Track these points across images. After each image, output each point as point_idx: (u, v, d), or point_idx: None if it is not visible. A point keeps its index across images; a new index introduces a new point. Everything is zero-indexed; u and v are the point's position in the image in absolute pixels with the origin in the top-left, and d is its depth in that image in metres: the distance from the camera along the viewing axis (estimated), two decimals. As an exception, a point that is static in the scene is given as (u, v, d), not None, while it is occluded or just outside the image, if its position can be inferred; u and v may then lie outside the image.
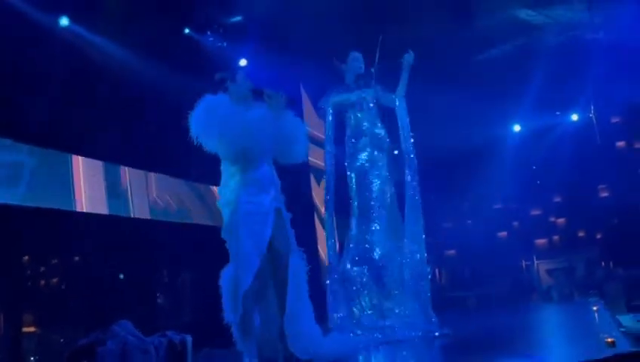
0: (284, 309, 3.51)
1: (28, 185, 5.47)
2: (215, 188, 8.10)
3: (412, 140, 5.27)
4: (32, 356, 5.82)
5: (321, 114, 5.81)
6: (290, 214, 3.69)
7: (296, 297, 3.49)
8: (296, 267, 3.58)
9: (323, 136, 5.54)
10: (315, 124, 9.79)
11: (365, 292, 4.85)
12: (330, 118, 5.36)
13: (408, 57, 5.20)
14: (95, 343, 3.42)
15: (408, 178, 5.20)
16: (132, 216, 6.76)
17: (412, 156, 5.22)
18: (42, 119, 5.59)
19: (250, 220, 3.44)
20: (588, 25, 8.93)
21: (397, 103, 5.28)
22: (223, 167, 3.63)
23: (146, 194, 7.09)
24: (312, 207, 9.36)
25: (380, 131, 5.31)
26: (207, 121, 3.49)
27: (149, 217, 7.04)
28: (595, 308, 5.24)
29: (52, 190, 5.77)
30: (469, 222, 12.33)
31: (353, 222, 5.29)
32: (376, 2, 7.57)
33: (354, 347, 4.00)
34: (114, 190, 6.52)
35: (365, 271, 4.92)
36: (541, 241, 11.81)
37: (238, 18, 8.11)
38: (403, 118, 5.29)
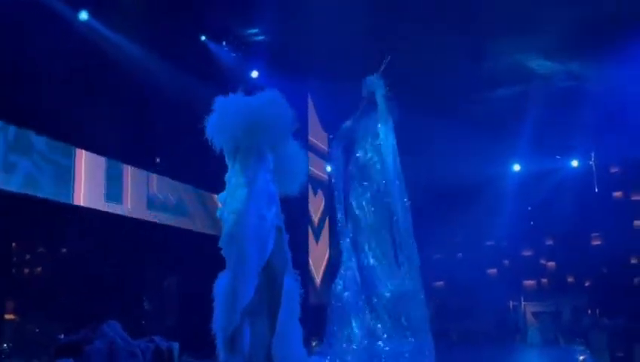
0: (274, 329, 3.46)
1: (26, 173, 5.43)
2: (215, 196, 8.13)
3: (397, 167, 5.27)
4: (6, 343, 5.74)
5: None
6: (288, 235, 3.66)
7: (287, 318, 3.47)
8: (290, 288, 3.56)
9: (325, 148, 5.53)
10: (319, 136, 9.85)
11: (358, 315, 4.83)
12: None
13: (366, 84, 5.22)
14: (83, 341, 3.37)
15: (399, 205, 5.20)
16: (128, 206, 6.71)
17: (399, 183, 5.23)
18: (51, 109, 5.59)
19: (257, 233, 3.41)
20: (591, 77, 9.05)
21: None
22: (229, 176, 3.59)
23: (146, 186, 7.08)
24: (307, 220, 9.36)
25: (377, 157, 5.34)
26: (221, 119, 3.50)
27: (145, 209, 6.99)
28: (581, 358, 5.23)
29: (51, 180, 5.73)
30: (460, 255, 12.35)
31: (344, 246, 5.28)
32: (389, 31, 7.65)
33: None
34: (113, 180, 6.50)
35: (358, 295, 4.90)
36: (530, 283, 11.83)
37: (255, 30, 8.17)
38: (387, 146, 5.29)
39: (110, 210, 6.41)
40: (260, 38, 8.23)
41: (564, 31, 7.89)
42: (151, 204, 7.10)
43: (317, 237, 9.85)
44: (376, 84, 5.23)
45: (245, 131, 3.47)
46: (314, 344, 5.71)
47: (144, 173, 7.05)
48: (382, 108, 5.17)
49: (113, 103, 6.35)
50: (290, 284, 3.57)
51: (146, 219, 6.98)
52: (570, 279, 11.55)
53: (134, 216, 6.79)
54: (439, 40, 7.91)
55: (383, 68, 5.17)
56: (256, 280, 3.35)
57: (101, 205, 6.29)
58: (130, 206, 6.72)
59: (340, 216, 5.21)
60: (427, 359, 4.70)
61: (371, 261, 5.10)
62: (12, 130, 5.30)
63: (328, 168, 9.99)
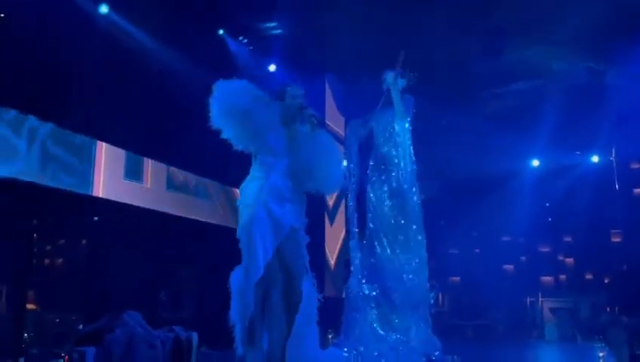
0: (289, 331, 3.43)
1: (47, 163, 5.51)
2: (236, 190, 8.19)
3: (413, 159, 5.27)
4: (27, 332, 5.84)
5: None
6: (308, 238, 3.59)
7: (304, 322, 3.42)
8: (308, 292, 3.49)
9: (342, 132, 5.53)
10: (336, 120, 9.84)
11: (374, 308, 4.86)
12: None
13: (388, 77, 5.23)
14: (104, 329, 3.41)
15: (414, 198, 5.20)
16: (148, 186, 6.79)
17: (413, 178, 5.24)
18: (71, 102, 5.65)
19: (264, 225, 3.39)
20: (611, 72, 8.91)
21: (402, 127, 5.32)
22: (252, 169, 3.59)
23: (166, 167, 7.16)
24: (322, 216, 9.37)
25: (394, 152, 5.34)
26: (229, 109, 3.39)
27: (164, 189, 7.06)
28: (601, 354, 5.18)
29: (71, 172, 5.81)
30: (477, 250, 12.28)
31: (365, 238, 5.32)
32: (407, 25, 7.60)
33: None
34: (132, 165, 6.58)
35: (374, 288, 4.93)
36: (547, 279, 11.72)
37: (273, 24, 8.17)
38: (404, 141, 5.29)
39: (130, 189, 6.48)
40: (278, 31, 8.22)
41: (584, 25, 7.78)
42: (172, 174, 7.19)
43: (332, 220, 9.88)
44: (392, 80, 5.22)
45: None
46: (330, 336, 5.73)
47: (163, 165, 7.11)
48: (397, 103, 5.17)
49: (132, 96, 6.40)
50: (308, 288, 3.51)
51: (165, 200, 7.04)
52: (588, 276, 11.41)
53: (153, 188, 6.85)
54: (458, 33, 7.85)
55: (400, 62, 5.15)
56: (261, 272, 3.34)
57: (121, 190, 6.37)
58: (150, 177, 6.80)
59: (350, 203, 5.24)
60: (438, 349, 4.73)
61: (388, 253, 5.13)
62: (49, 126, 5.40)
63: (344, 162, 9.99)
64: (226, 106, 3.38)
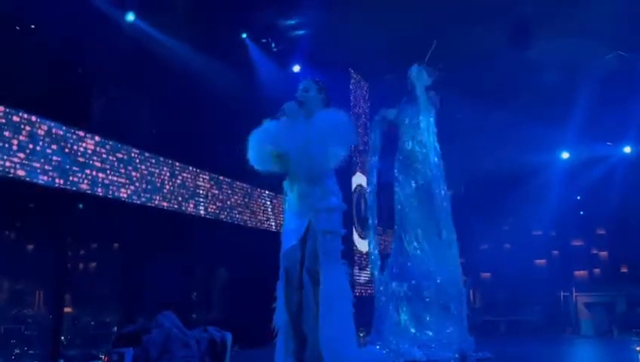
0: (316, 334, 3.46)
1: (76, 168, 5.63)
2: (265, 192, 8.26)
3: (438, 159, 5.25)
4: (64, 335, 5.98)
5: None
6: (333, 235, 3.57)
7: (341, 322, 3.42)
8: (342, 290, 3.50)
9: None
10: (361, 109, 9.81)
11: (405, 305, 4.85)
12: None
13: (412, 72, 5.22)
14: (141, 331, 3.49)
15: (442, 192, 5.18)
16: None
17: (440, 174, 5.21)
18: (102, 109, 5.78)
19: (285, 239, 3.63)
20: None
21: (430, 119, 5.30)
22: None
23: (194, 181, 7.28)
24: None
25: (419, 148, 5.32)
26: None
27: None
28: (638, 349, 5.08)
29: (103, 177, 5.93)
30: (507, 246, 12.13)
31: (394, 236, 5.32)
32: (433, 15, 7.55)
33: None
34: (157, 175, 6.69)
35: (404, 285, 4.92)
36: (581, 273, 11.52)
37: (292, 22, 8.19)
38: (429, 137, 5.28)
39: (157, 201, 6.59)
40: (301, 32, 8.25)
41: (613, 12, 7.63)
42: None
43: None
44: (417, 75, 5.21)
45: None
46: (362, 334, 5.73)
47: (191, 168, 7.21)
48: (422, 99, 5.15)
49: (158, 100, 6.50)
50: (342, 285, 3.53)
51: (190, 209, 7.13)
52: (623, 269, 11.19)
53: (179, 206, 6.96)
54: (484, 25, 7.78)
55: (428, 57, 5.14)
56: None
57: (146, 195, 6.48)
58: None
59: (370, 199, 5.24)
60: (471, 345, 4.70)
61: (417, 251, 5.12)
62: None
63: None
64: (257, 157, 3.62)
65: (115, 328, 6.10)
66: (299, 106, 3.62)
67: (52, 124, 5.35)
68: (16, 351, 5.20)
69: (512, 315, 10.59)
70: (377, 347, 4.51)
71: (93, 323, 6.47)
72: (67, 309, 6.30)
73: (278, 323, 3.55)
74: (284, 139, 3.48)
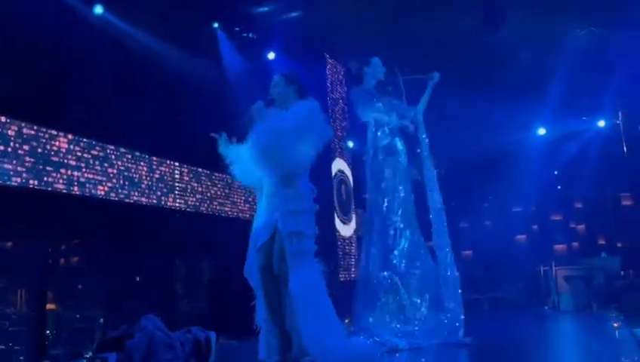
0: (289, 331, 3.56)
1: (50, 168, 5.55)
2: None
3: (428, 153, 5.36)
4: (49, 330, 5.98)
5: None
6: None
7: (317, 318, 3.42)
8: (313, 280, 3.50)
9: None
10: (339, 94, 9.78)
11: (390, 296, 4.90)
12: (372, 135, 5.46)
13: (435, 76, 5.40)
14: (124, 336, 3.48)
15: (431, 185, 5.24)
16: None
17: (432, 167, 5.31)
18: (74, 106, 5.67)
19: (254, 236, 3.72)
20: (616, 36, 8.79)
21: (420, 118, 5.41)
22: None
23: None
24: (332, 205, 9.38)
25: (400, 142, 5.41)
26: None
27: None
28: (615, 325, 5.20)
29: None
30: (488, 223, 12.28)
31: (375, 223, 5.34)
32: (401, 5, 7.52)
33: (372, 353, 3.95)
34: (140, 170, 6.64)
35: (389, 275, 4.96)
36: (560, 247, 11.73)
37: (266, 9, 8.08)
38: (422, 131, 5.38)
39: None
40: (274, 19, 8.15)
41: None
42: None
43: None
44: (377, 68, 5.31)
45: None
46: (347, 321, 5.78)
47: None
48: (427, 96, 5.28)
49: (132, 95, 6.39)
50: (313, 276, 3.52)
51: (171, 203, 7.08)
52: (601, 241, 11.42)
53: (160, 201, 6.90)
54: (454, 7, 7.77)
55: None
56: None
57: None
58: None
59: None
60: (459, 332, 4.76)
61: (400, 239, 5.15)
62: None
63: (350, 143, 9.98)
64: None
65: (102, 320, 6.10)
66: (270, 104, 3.59)
67: (22, 124, 5.25)
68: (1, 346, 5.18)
69: (495, 292, 10.74)
70: (361, 337, 4.55)
71: (78, 315, 6.47)
72: (51, 306, 6.28)
73: (259, 321, 3.57)
74: (258, 145, 3.45)
